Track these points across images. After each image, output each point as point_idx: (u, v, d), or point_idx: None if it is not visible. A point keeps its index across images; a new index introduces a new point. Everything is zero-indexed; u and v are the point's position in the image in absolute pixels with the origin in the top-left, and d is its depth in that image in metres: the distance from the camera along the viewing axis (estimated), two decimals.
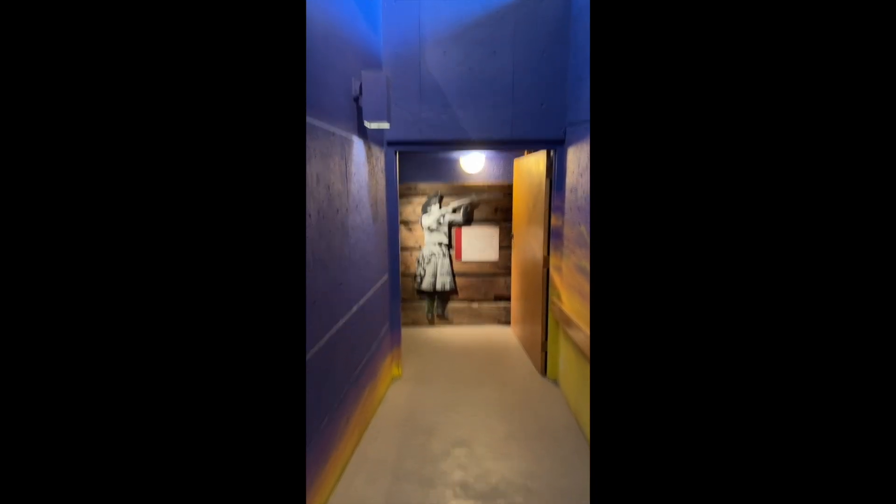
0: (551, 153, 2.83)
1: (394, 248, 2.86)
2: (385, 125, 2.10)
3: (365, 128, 2.23)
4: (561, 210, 2.73)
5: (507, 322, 4.08)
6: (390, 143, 2.74)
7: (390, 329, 2.89)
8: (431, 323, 4.12)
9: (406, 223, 4.01)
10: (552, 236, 2.87)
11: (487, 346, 3.60)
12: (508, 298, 4.05)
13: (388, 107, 2.08)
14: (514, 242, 3.74)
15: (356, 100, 2.07)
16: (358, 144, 2.11)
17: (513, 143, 2.74)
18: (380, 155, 2.59)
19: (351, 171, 2.00)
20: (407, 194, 3.96)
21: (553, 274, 2.87)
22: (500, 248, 4.00)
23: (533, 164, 3.16)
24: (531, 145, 2.75)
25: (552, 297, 2.88)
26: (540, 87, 2.66)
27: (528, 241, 3.27)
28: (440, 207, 3.93)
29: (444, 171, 4.05)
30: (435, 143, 2.74)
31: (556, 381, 2.92)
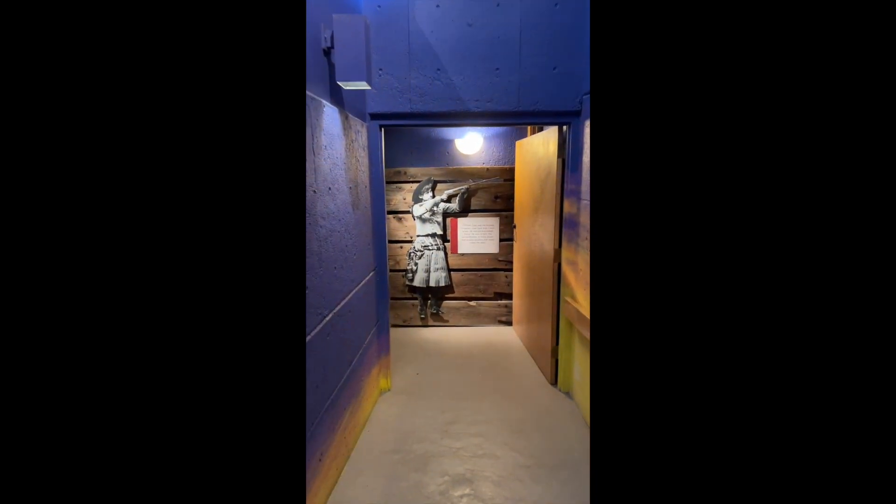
0: (564, 129, 2.41)
1: (380, 241, 2.44)
2: (364, 85, 1.66)
3: (340, 92, 1.79)
4: (576, 194, 2.32)
5: (509, 322, 3.68)
6: (374, 116, 2.30)
7: (377, 335, 2.48)
8: (425, 323, 3.71)
9: (395, 213, 3.58)
10: (565, 225, 2.46)
11: (488, 349, 3.20)
12: (510, 296, 3.65)
13: (368, 62, 1.64)
14: (517, 233, 3.34)
15: (326, 53, 1.63)
16: (330, 112, 1.68)
17: (520, 116, 2.31)
18: (361, 129, 2.15)
19: (321, 142, 1.57)
20: (396, 180, 3.52)
21: (566, 269, 2.47)
22: (501, 239, 3.59)
23: (539, 145, 2.74)
24: (541, 118, 2.33)
25: (565, 297, 2.48)
26: (553, 47, 2.23)
27: (535, 232, 2.86)
28: (433, 195, 3.51)
29: (437, 154, 3.61)
30: (426, 115, 2.31)
31: (569, 394, 2.53)
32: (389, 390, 2.59)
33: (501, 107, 2.29)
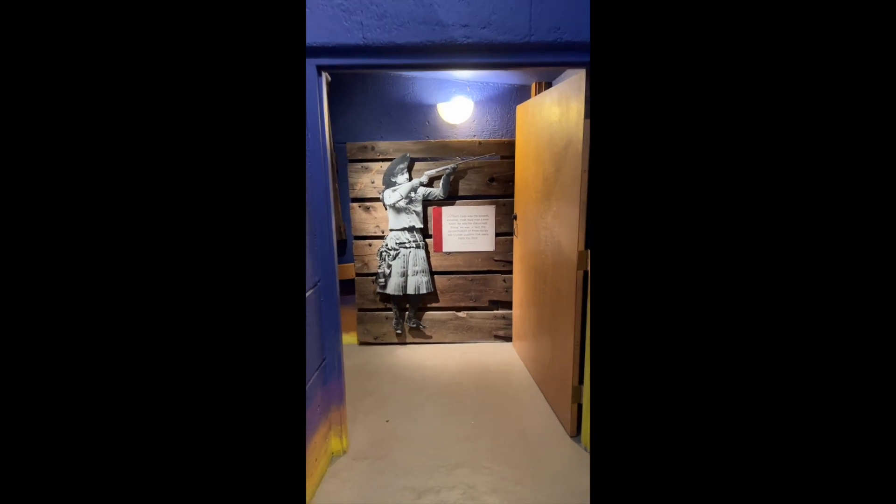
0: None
1: (325, 241, 1.65)
2: None
3: None
4: None
5: (508, 337, 2.94)
6: (310, 52, 1.49)
7: (324, 382, 1.70)
8: (402, 340, 2.95)
9: (361, 200, 2.78)
10: None
11: (483, 377, 2.46)
12: (509, 305, 2.90)
13: None
14: (519, 226, 2.57)
15: None
16: None
17: (532, 51, 1.52)
18: None
19: None
20: (362, 158, 2.72)
21: None
22: (498, 234, 2.82)
23: (553, 104, 1.97)
24: (564, 55, 1.53)
25: None
26: None
27: (546, 226, 2.10)
28: (410, 177, 2.71)
29: (414, 124, 2.81)
30: (389, 50, 1.51)
31: None
32: (345, 453, 1.83)
33: (504, 36, 1.49)
